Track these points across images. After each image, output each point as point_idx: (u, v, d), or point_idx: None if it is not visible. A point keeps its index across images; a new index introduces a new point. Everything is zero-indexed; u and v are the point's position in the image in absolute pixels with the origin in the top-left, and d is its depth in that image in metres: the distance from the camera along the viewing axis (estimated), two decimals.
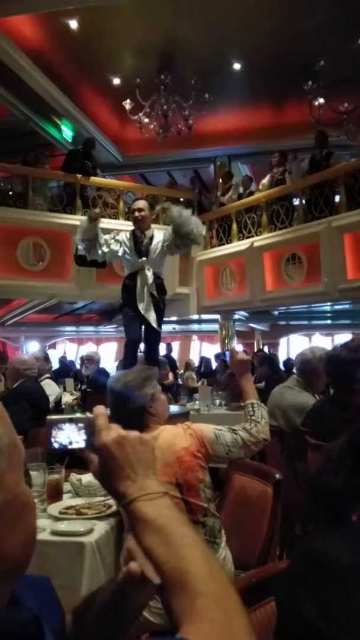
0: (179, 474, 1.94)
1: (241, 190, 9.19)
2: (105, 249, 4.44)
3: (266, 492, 2.22)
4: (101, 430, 0.80)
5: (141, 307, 4.37)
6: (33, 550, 0.67)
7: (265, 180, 8.48)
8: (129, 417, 1.99)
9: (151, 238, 4.44)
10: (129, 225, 4.55)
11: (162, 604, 0.70)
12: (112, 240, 4.46)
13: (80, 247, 4.54)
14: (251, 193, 8.84)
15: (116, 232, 4.63)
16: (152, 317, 4.39)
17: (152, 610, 1.73)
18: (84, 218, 4.82)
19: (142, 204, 4.58)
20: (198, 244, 4.73)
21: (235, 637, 0.62)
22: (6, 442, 0.63)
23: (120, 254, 4.46)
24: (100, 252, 4.45)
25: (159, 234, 4.48)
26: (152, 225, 4.60)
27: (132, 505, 0.74)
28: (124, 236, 4.48)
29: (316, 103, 7.05)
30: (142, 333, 4.53)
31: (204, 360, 11.72)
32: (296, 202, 7.67)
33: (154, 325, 4.39)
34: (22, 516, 0.64)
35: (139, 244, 4.43)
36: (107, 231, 4.67)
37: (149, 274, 4.38)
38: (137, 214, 4.47)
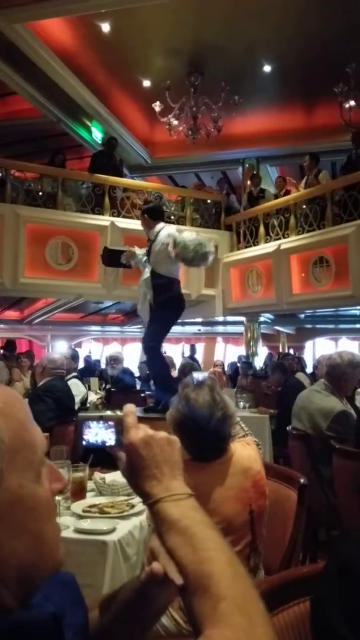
0: (253, 499, 1.72)
1: (275, 191, 9.12)
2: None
3: (291, 496, 2.19)
4: (130, 428, 0.80)
5: (138, 306, 4.36)
6: (51, 562, 0.64)
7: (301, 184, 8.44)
8: (218, 445, 1.74)
9: (156, 236, 4.39)
10: None
11: (183, 606, 0.69)
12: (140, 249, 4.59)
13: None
14: (287, 193, 8.69)
15: None
16: (145, 317, 4.32)
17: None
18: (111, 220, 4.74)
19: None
20: (206, 263, 4.43)
21: None
22: (7, 440, 0.60)
23: (140, 257, 4.54)
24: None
25: (164, 231, 4.36)
26: (164, 224, 4.57)
27: (158, 505, 0.74)
28: None
29: (347, 105, 6.96)
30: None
31: (231, 364, 11.82)
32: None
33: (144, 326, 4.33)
34: (28, 522, 0.61)
35: (149, 245, 4.49)
36: (133, 232, 4.75)
37: (147, 271, 4.35)
38: None
